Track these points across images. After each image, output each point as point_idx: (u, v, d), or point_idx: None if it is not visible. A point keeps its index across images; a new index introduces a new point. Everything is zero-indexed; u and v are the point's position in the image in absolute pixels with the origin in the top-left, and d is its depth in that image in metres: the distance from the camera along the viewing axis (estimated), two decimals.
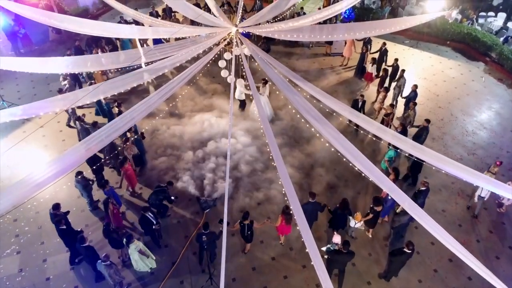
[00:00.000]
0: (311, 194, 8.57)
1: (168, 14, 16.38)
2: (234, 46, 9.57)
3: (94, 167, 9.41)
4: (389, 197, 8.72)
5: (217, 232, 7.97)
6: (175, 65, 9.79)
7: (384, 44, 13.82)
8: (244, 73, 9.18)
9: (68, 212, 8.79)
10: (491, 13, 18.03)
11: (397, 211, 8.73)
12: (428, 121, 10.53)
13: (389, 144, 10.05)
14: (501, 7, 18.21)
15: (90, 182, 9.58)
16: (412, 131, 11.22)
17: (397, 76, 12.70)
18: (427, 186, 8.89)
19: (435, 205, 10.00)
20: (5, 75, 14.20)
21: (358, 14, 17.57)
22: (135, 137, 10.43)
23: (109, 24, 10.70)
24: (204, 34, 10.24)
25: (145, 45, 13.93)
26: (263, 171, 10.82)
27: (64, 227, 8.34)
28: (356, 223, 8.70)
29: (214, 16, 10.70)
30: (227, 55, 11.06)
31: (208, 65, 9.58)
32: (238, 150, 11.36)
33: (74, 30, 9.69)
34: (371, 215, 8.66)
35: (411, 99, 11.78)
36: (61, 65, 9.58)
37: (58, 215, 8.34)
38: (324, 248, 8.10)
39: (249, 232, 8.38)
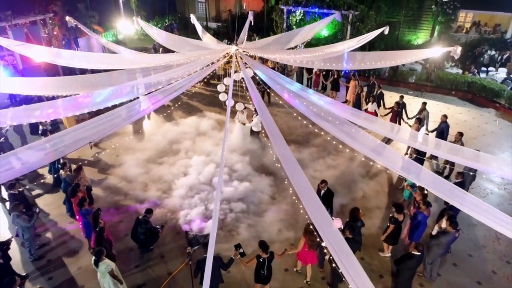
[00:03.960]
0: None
1: None
2: (233, 68, 9.03)
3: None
4: (419, 211, 7.23)
5: (224, 259, 6.19)
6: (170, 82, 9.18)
7: (380, 87, 13.62)
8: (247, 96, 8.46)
9: (7, 243, 6.69)
10: (491, 68, 18.21)
11: (433, 232, 6.88)
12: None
13: None
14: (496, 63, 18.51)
15: (33, 218, 7.48)
16: None
17: (419, 110, 12.20)
18: (461, 178, 7.49)
19: (474, 240, 8.38)
20: None
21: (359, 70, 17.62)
22: (68, 173, 8.90)
23: (111, 55, 10.43)
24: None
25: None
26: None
27: (1, 261, 6.41)
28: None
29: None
30: (226, 80, 10.54)
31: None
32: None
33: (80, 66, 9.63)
34: (391, 226, 7.10)
35: (444, 130, 11.00)
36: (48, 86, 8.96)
37: None
38: (324, 243, 6.45)
39: (267, 271, 6.26)
